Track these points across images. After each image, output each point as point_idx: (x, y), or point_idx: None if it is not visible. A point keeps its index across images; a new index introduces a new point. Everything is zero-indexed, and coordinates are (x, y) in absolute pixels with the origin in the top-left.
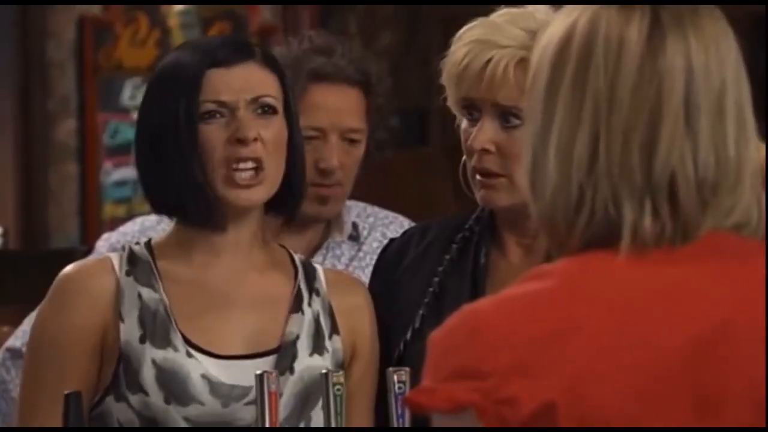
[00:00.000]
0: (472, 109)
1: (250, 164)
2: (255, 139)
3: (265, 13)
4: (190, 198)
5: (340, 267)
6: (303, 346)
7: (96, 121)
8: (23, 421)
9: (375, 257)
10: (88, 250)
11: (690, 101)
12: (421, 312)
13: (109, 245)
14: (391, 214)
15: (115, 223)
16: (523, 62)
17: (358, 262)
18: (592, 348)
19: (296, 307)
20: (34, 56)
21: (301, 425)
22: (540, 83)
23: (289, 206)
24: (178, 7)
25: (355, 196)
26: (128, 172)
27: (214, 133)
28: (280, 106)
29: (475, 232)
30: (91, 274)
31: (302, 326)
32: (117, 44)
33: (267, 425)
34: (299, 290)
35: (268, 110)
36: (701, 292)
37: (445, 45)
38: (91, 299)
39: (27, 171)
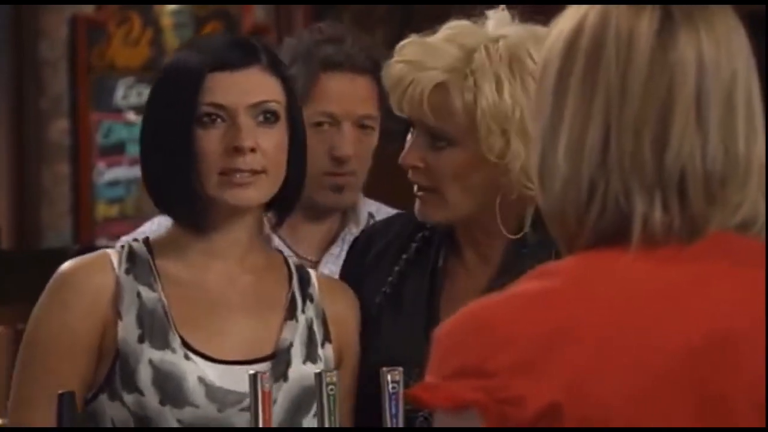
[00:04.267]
0: (411, 123)
1: (246, 176)
2: (253, 150)
3: (258, 13)
4: (182, 203)
5: None
6: (297, 353)
7: (89, 121)
8: (17, 417)
9: None
10: (81, 249)
11: (701, 95)
12: (373, 314)
13: None
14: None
15: (107, 223)
16: (439, 87)
17: None
18: (596, 348)
19: (290, 314)
20: (27, 56)
21: None
22: (549, 77)
23: (284, 206)
24: (171, 7)
25: (364, 189)
26: (121, 172)
27: (211, 141)
28: (282, 111)
29: (436, 231)
30: (91, 271)
31: (296, 333)
32: (110, 44)
33: (260, 425)
34: (293, 296)
35: (270, 117)
36: (706, 293)
37: None
38: (91, 297)
39: (20, 170)
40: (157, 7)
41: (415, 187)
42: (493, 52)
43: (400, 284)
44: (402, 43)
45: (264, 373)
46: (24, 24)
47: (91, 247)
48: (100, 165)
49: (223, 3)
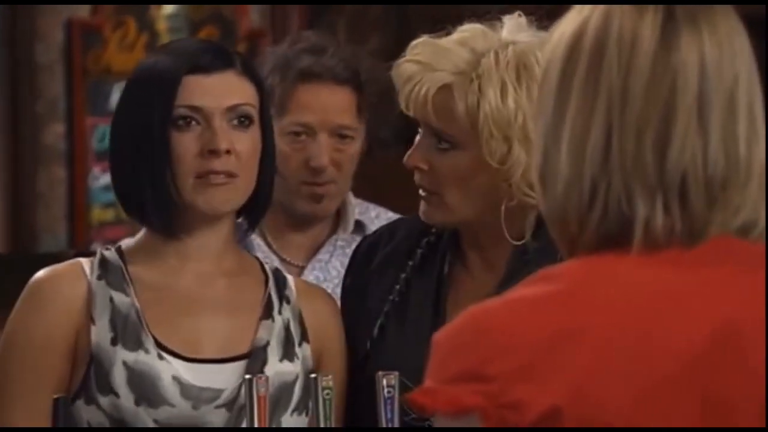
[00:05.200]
0: (417, 124)
1: (221, 177)
2: (228, 152)
3: (253, 17)
4: (156, 209)
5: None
6: (273, 351)
7: (84, 125)
8: None
9: None
10: (77, 254)
11: (703, 97)
12: (379, 321)
13: None
14: (396, 216)
15: (103, 227)
16: (444, 88)
17: None
18: (598, 352)
19: (266, 314)
20: (23, 59)
21: None
22: (552, 78)
23: (255, 213)
24: (167, 12)
25: (360, 196)
26: None
27: (186, 144)
28: (256, 116)
29: (442, 237)
30: (63, 278)
31: (272, 333)
32: (105, 48)
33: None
34: (270, 298)
35: (244, 121)
36: (707, 296)
37: None
38: (63, 303)
39: (15, 174)
40: (153, 12)
41: (420, 190)
42: (501, 58)
43: (406, 292)
44: (414, 42)
45: (260, 377)
46: (19, 27)
47: (86, 252)
48: (96, 169)
49: (218, 3)
